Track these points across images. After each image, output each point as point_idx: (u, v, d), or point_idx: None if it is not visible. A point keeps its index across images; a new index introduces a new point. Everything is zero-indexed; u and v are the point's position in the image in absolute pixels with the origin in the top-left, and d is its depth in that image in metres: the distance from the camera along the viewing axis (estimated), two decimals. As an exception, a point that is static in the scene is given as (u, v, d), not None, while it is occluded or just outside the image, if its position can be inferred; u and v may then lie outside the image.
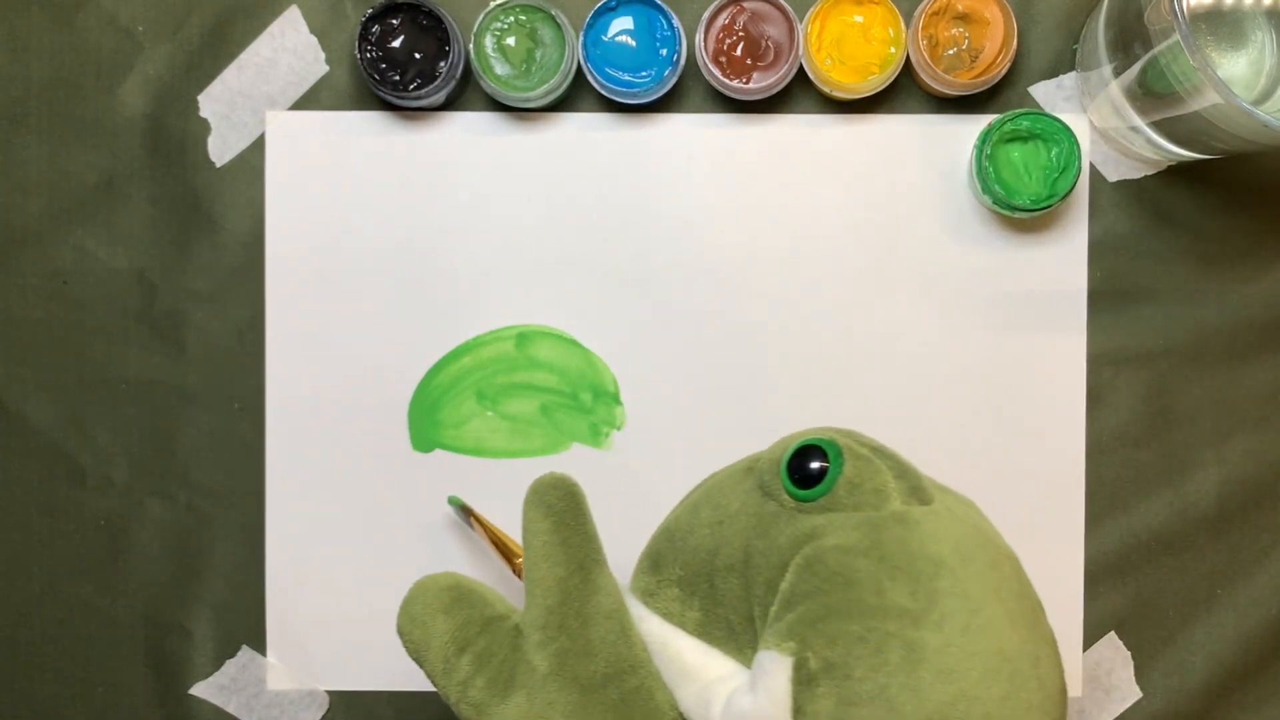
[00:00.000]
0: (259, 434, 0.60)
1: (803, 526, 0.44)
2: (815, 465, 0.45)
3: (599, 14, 0.57)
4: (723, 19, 0.57)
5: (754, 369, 0.60)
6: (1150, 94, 0.52)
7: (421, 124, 0.60)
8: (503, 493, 0.59)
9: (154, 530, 0.60)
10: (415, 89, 0.57)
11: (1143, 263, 0.60)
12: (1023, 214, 0.57)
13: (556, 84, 0.57)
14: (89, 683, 0.61)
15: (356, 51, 0.57)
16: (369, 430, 0.60)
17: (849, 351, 0.60)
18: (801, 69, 0.58)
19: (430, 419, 0.60)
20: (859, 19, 0.57)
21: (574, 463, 0.60)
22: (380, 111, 0.60)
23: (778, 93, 0.58)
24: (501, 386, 0.60)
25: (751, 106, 0.59)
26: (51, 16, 0.60)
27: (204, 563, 0.60)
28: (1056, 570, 0.59)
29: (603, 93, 0.58)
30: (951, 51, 0.57)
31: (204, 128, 0.60)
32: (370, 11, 0.57)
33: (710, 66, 0.57)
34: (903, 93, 0.59)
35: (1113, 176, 0.60)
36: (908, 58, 0.57)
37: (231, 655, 0.60)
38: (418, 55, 0.57)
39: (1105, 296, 0.60)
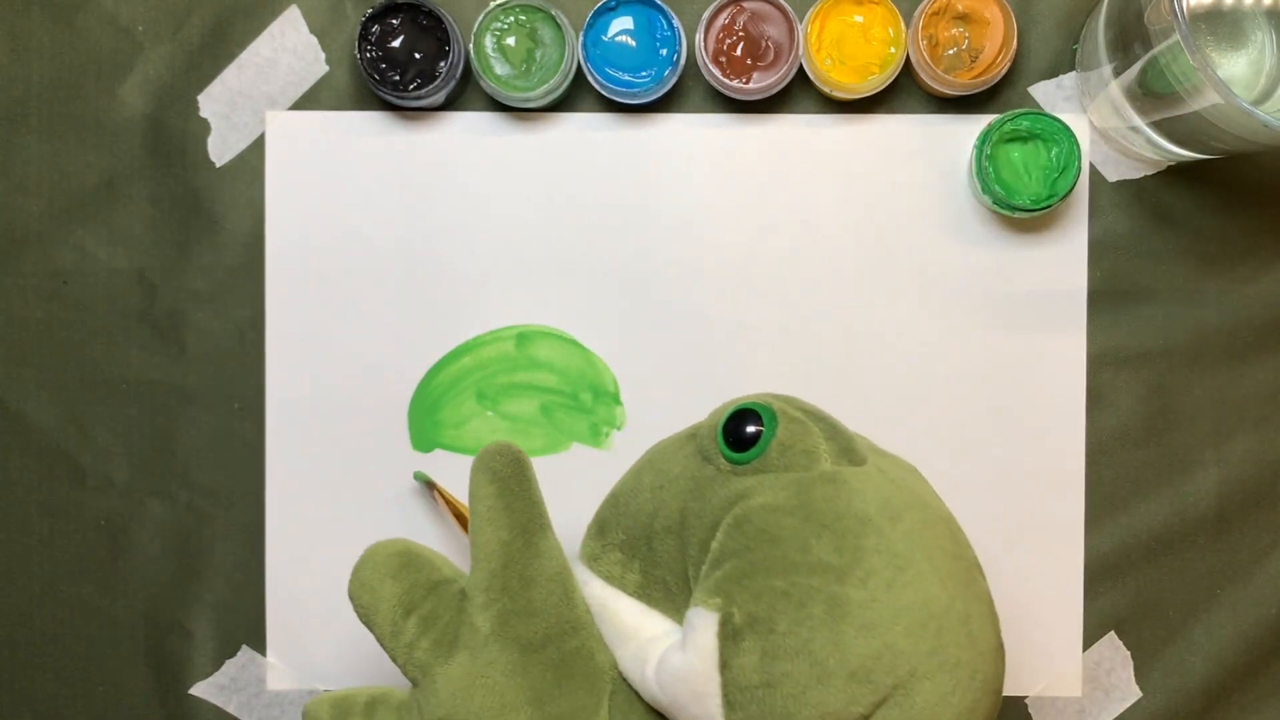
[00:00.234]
0: (259, 434, 0.60)
1: (735, 488, 0.45)
2: (750, 429, 0.46)
3: (599, 14, 0.57)
4: (723, 19, 0.57)
5: (754, 369, 0.60)
6: (1150, 94, 0.52)
7: (421, 124, 0.60)
8: (503, 493, 0.60)
9: (154, 530, 0.60)
10: (415, 89, 0.57)
11: (1143, 263, 0.60)
12: (1023, 214, 0.57)
13: (556, 84, 0.57)
14: (89, 683, 0.61)
15: (356, 51, 0.57)
16: (369, 430, 0.60)
17: (849, 351, 0.60)
18: (801, 69, 0.58)
19: (430, 419, 0.60)
20: (859, 19, 0.57)
21: (574, 462, 0.60)
22: (380, 111, 0.60)
23: (778, 93, 0.58)
24: (502, 386, 0.60)
25: (751, 106, 0.59)
26: (51, 16, 0.60)
27: (204, 563, 0.60)
28: (1056, 570, 0.59)
29: (603, 93, 0.58)
30: (951, 51, 0.57)
31: (204, 128, 0.60)
32: (370, 11, 0.57)
33: (710, 66, 0.57)
34: (903, 93, 0.59)
35: (1113, 176, 0.59)
36: (908, 58, 0.57)
37: (231, 655, 0.60)
38: (418, 55, 0.57)
39: (1105, 296, 0.60)
